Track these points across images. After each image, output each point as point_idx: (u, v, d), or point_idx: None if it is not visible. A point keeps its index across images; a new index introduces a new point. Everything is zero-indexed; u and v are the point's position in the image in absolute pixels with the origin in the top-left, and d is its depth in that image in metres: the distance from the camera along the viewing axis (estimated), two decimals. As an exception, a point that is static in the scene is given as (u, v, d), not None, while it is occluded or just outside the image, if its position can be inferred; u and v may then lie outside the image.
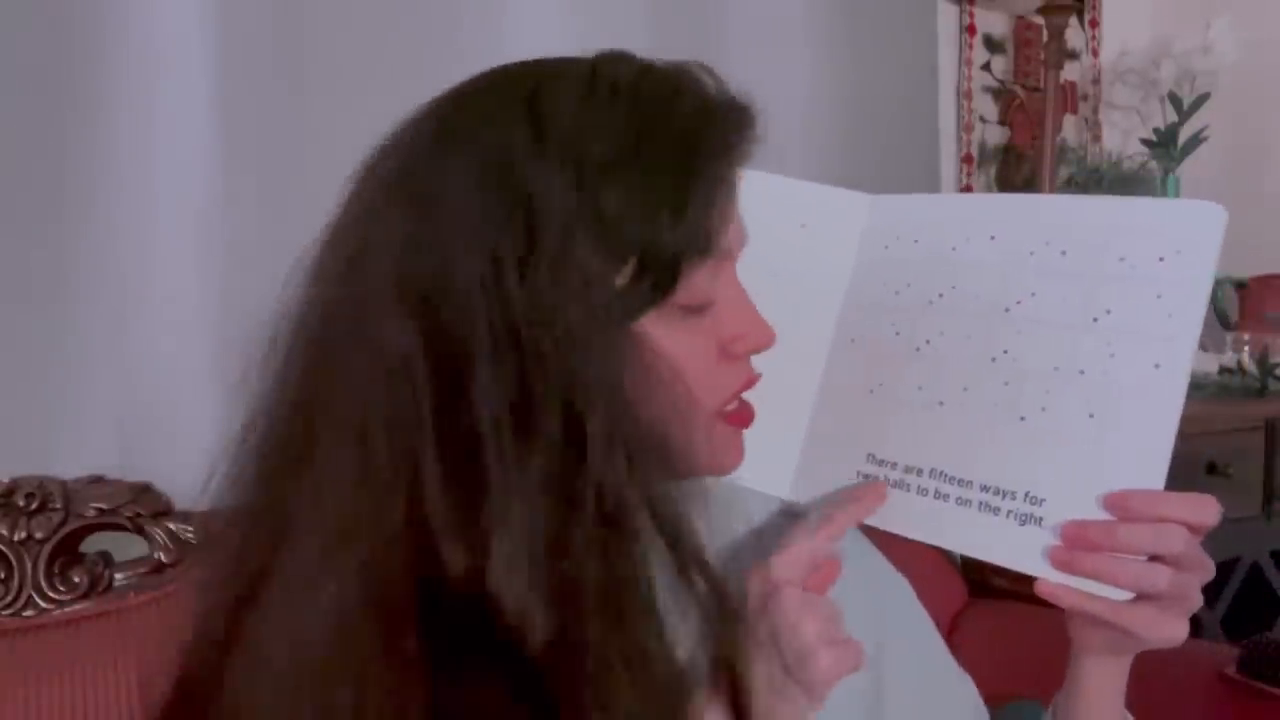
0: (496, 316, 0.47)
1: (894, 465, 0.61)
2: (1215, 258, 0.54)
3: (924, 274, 0.62)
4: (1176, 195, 1.74)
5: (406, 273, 0.49)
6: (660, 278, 0.51)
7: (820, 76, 1.45)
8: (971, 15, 1.74)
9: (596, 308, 0.49)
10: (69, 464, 0.94)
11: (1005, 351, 0.58)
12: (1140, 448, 0.54)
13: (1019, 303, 0.58)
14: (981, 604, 1.16)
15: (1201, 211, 0.55)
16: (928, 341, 0.61)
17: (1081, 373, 0.56)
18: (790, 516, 0.67)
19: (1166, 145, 1.73)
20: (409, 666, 0.48)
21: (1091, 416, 0.55)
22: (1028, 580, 0.55)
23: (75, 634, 0.90)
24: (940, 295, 0.61)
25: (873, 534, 0.65)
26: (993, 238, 0.60)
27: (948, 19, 1.70)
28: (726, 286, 0.56)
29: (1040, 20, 1.71)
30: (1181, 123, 1.72)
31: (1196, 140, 1.72)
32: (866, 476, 0.61)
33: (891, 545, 0.67)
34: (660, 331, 0.52)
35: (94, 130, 0.99)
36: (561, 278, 0.48)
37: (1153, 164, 1.76)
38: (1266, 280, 1.85)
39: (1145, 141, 1.77)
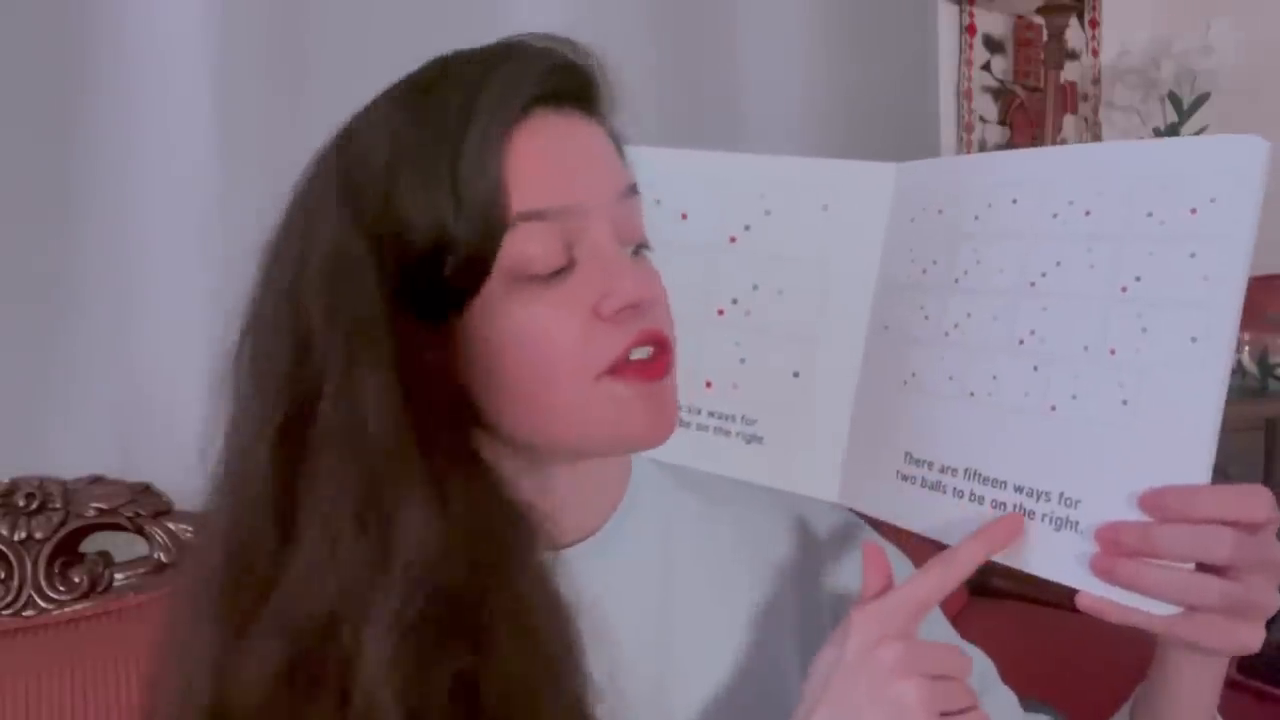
0: (300, 343, 0.51)
1: (930, 465, 0.56)
2: (1257, 203, 0.46)
3: (949, 249, 0.57)
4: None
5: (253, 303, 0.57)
6: (467, 259, 0.50)
7: (820, 76, 1.45)
8: (971, 15, 1.74)
9: (366, 310, 0.50)
10: (69, 464, 0.94)
11: (1033, 332, 0.52)
12: (1178, 437, 0.47)
13: (1044, 275, 0.52)
14: (981, 604, 1.16)
15: (1236, 147, 0.47)
16: (956, 325, 0.56)
17: (1112, 352, 0.49)
18: (854, 529, 0.66)
19: (1166, 145, 1.73)
20: None
21: (1125, 403, 0.49)
22: (1029, 580, 0.52)
23: (75, 634, 0.90)
24: (966, 272, 0.56)
25: (880, 524, 0.64)
26: (1015, 201, 0.54)
27: (948, 19, 1.70)
28: (587, 246, 0.53)
29: (1040, 20, 1.71)
30: (1181, 123, 1.72)
31: (1196, 140, 1.72)
32: (906, 478, 0.57)
33: (892, 540, 0.67)
34: (508, 309, 0.51)
35: (94, 131, 0.99)
36: (342, 285, 0.51)
37: (1153, 164, 1.76)
38: (1266, 280, 1.85)
39: (1145, 141, 1.76)
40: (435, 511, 0.49)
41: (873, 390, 0.60)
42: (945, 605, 0.68)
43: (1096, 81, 1.94)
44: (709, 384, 0.64)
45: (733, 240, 0.64)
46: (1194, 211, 0.48)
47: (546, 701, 0.50)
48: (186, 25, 1.01)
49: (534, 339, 0.52)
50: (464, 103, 0.51)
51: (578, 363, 0.52)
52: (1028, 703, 0.70)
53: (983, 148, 1.78)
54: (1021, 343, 0.53)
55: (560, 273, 0.52)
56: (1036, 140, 1.76)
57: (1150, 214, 0.49)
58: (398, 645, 0.48)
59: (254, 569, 0.51)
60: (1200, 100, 1.71)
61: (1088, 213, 0.51)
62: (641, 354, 0.53)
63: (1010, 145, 1.82)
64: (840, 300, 0.61)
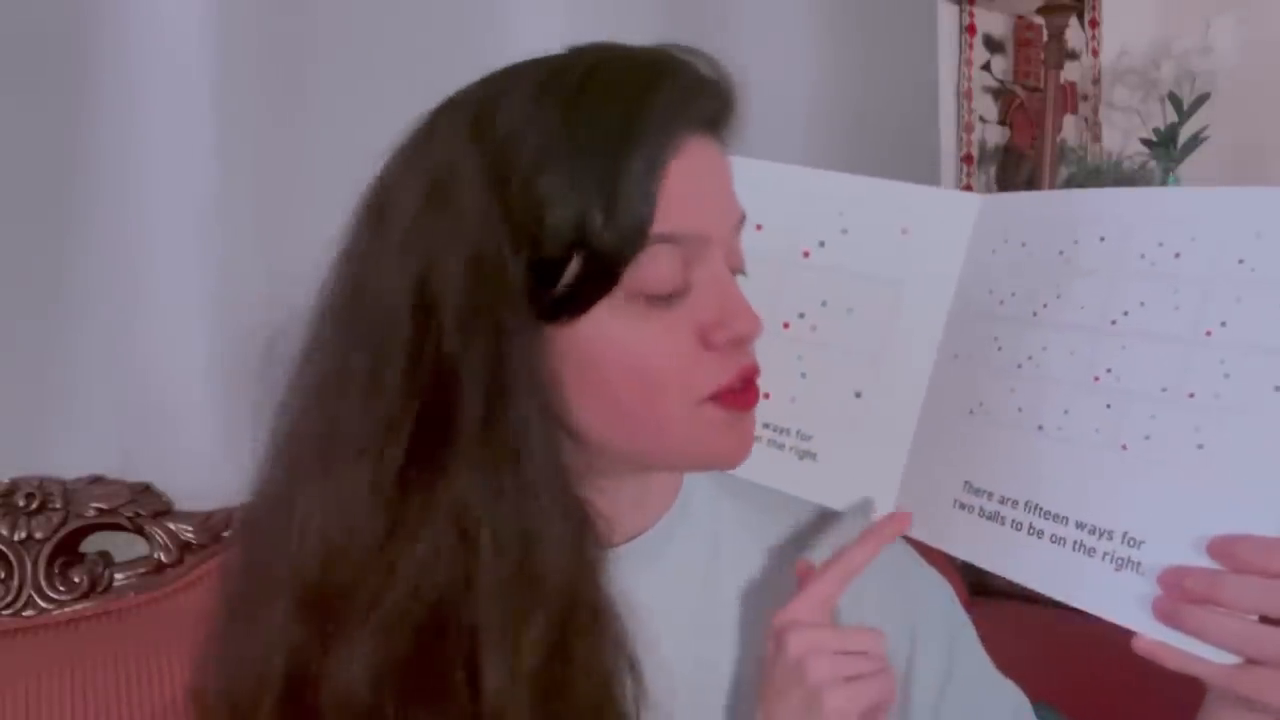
0: (421, 331, 0.51)
1: (990, 495, 0.56)
2: None
3: (1029, 281, 0.57)
4: (1176, 195, 1.73)
5: (350, 285, 0.54)
6: (599, 269, 0.50)
7: (820, 76, 1.45)
8: (971, 15, 1.73)
9: (507, 306, 0.50)
10: (69, 464, 0.94)
11: (1109, 370, 0.52)
12: (1254, 484, 0.47)
13: (1126, 314, 0.52)
14: (981, 604, 1.17)
15: None
16: (1030, 358, 0.56)
17: (1191, 396, 0.49)
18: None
19: (1166, 145, 1.73)
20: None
21: (1200, 448, 0.48)
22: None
23: (75, 634, 0.90)
24: (1045, 305, 0.55)
25: (925, 549, 0.64)
26: (1102, 239, 0.54)
27: (948, 19, 1.70)
28: (705, 273, 0.54)
29: (1040, 20, 1.71)
30: (1181, 123, 1.72)
31: (1196, 140, 1.72)
32: (963, 506, 0.57)
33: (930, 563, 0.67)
34: (621, 324, 0.52)
35: (94, 131, 0.99)
36: (481, 283, 0.50)
37: (1153, 164, 1.76)
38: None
39: (1145, 141, 1.76)
40: (569, 529, 0.51)
41: (937, 417, 0.60)
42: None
43: (1096, 81, 1.94)
44: (767, 395, 0.63)
45: (806, 255, 0.64)
46: None
47: (615, 703, 0.52)
48: (186, 26, 1.01)
49: (644, 357, 0.52)
50: (626, 118, 0.51)
51: (683, 385, 0.53)
52: (1031, 704, 0.70)
53: (982, 148, 1.78)
54: (1097, 380, 0.53)
55: (675, 295, 0.53)
56: (1036, 140, 1.75)
57: (1241, 260, 0.49)
58: (522, 657, 0.50)
59: (357, 567, 0.51)
60: (1200, 100, 1.71)
61: (1177, 255, 0.51)
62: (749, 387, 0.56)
63: (1010, 145, 1.82)
64: (911, 325, 0.61)
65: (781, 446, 0.63)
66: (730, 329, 0.53)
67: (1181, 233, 0.51)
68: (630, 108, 0.51)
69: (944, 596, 0.68)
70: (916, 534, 0.61)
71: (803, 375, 0.63)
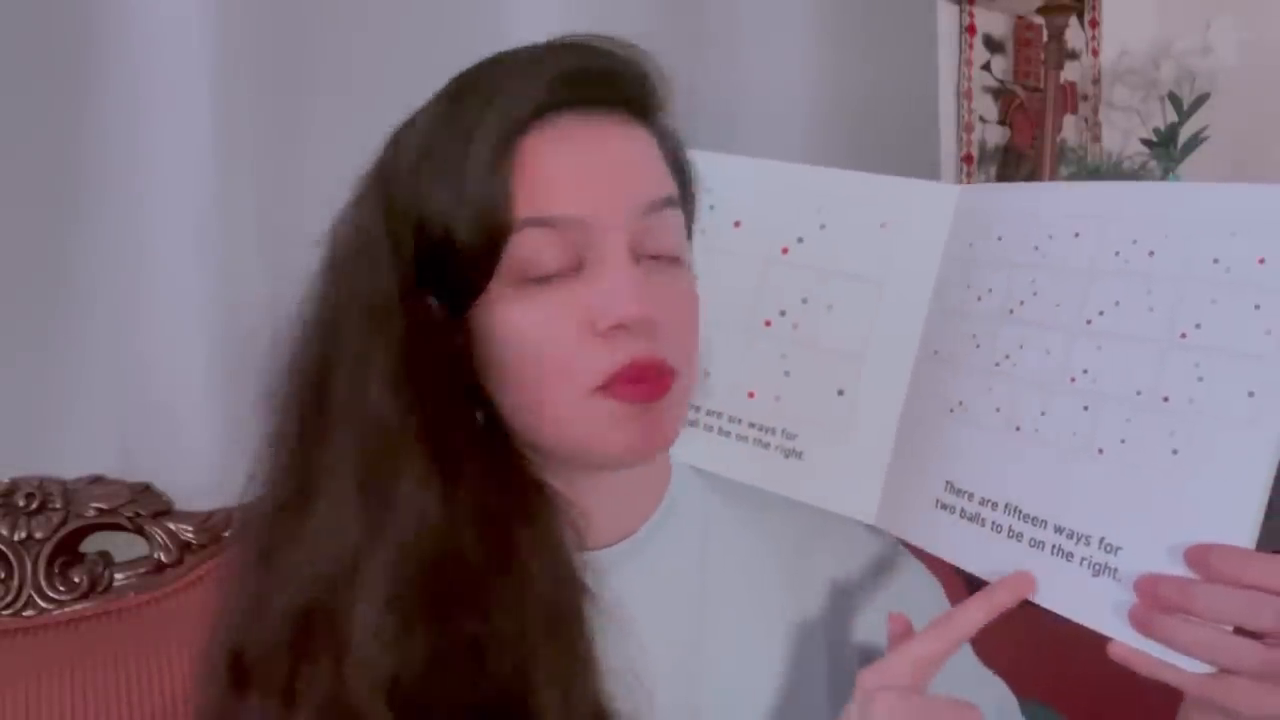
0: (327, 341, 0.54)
1: (970, 496, 0.55)
2: None
3: (1006, 277, 0.56)
4: (1176, 195, 1.73)
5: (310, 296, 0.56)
6: (471, 256, 0.51)
7: (820, 76, 1.45)
8: (971, 15, 1.73)
9: (407, 300, 0.52)
10: (69, 464, 0.94)
11: (1085, 371, 0.51)
12: (1227, 492, 0.46)
13: (1101, 313, 0.51)
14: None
15: None
16: (1007, 356, 0.55)
17: (1166, 399, 0.48)
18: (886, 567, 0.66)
19: (1166, 145, 1.73)
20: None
21: (1175, 453, 0.47)
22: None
23: (75, 634, 0.90)
24: (1021, 303, 0.54)
25: (920, 550, 0.63)
26: (1077, 235, 0.53)
27: (948, 19, 1.70)
28: (595, 257, 0.52)
29: (1040, 20, 1.71)
30: (1181, 123, 1.72)
31: (1196, 140, 1.72)
32: (945, 507, 0.56)
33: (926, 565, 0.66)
34: (510, 309, 0.52)
35: (93, 131, 0.99)
36: (362, 265, 0.53)
37: (1153, 164, 1.76)
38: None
39: (1145, 141, 1.76)
40: (434, 488, 0.51)
41: (918, 415, 0.59)
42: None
43: (1096, 81, 1.93)
44: (751, 394, 0.63)
45: (785, 251, 0.63)
46: (1262, 261, 0.46)
47: (549, 681, 0.51)
48: (186, 26, 1.01)
49: (530, 343, 0.52)
50: (481, 104, 0.52)
51: (567, 374, 0.52)
52: (1028, 703, 0.70)
53: (982, 148, 1.78)
54: (1073, 381, 0.52)
55: (565, 281, 0.52)
56: (1036, 140, 1.75)
57: (1216, 260, 0.47)
58: (383, 612, 0.49)
59: (280, 531, 0.53)
60: (1200, 100, 1.71)
61: (1151, 253, 0.50)
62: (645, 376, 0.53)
63: (1010, 145, 1.82)
64: (892, 321, 0.60)
65: (767, 445, 0.63)
66: (609, 316, 0.52)
67: (1155, 230, 0.50)
68: (484, 96, 0.52)
69: (934, 593, 0.67)
70: (898, 532, 0.60)
71: (786, 374, 0.63)
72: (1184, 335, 0.48)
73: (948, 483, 0.56)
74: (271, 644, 0.52)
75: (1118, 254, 0.51)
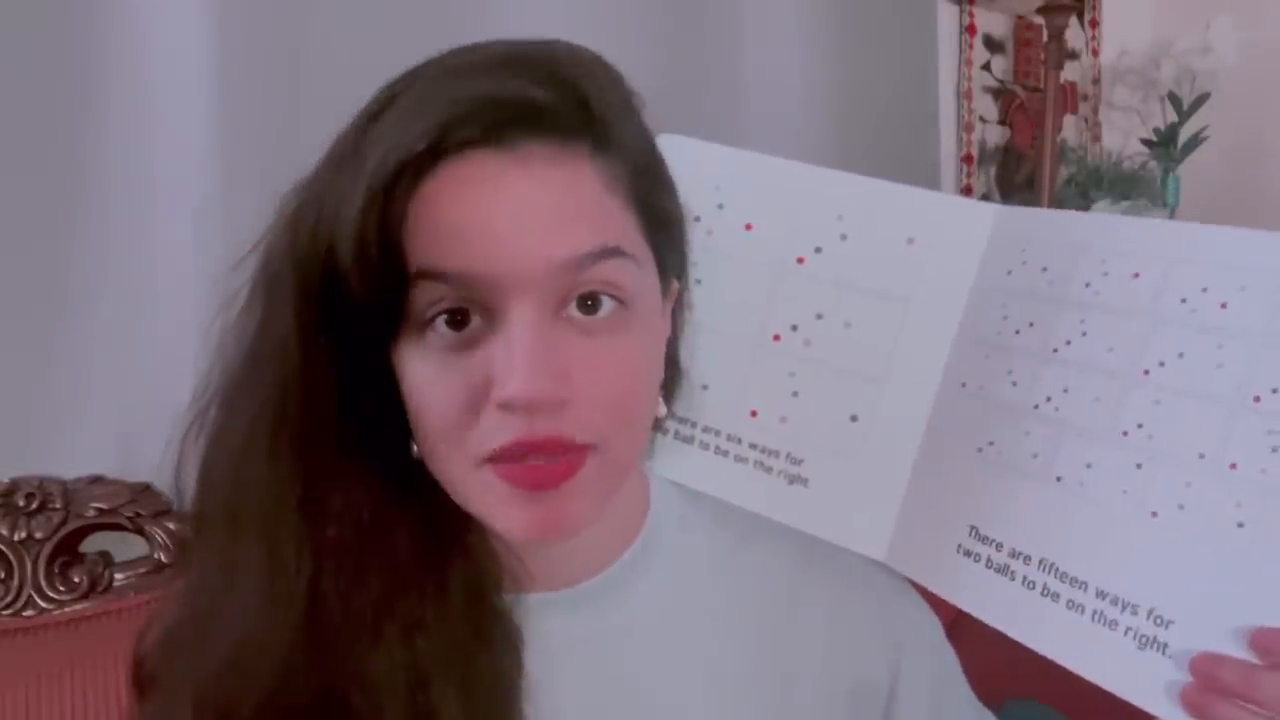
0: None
1: (999, 546, 0.51)
2: None
3: (1050, 312, 0.51)
4: (1177, 196, 1.74)
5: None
6: (368, 305, 0.46)
7: (820, 76, 1.45)
8: (971, 15, 1.73)
9: (330, 333, 0.48)
10: (69, 464, 0.94)
11: (1140, 426, 0.47)
12: None
13: (1162, 364, 0.47)
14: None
15: None
16: (1048, 399, 0.51)
17: (1233, 467, 0.44)
18: None
19: (1166, 145, 1.73)
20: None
21: (1240, 526, 0.44)
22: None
23: (75, 634, 0.90)
24: (1067, 342, 0.50)
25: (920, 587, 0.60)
26: (1136, 275, 0.49)
27: (948, 19, 1.70)
28: (502, 316, 0.45)
29: (1040, 20, 1.71)
30: (1181, 123, 1.72)
31: (1196, 140, 1.72)
32: (969, 554, 0.52)
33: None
34: (416, 363, 0.47)
35: (94, 131, 0.99)
36: (266, 300, 0.52)
37: (1153, 164, 1.76)
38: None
39: (1145, 141, 1.76)
40: (303, 545, 0.49)
41: (939, 450, 0.55)
42: (945, 605, 0.68)
43: (1096, 81, 1.93)
44: (754, 413, 0.59)
45: (800, 261, 0.58)
46: None
47: None
48: (186, 25, 1.01)
49: (423, 401, 0.47)
50: (381, 141, 0.46)
51: (454, 441, 0.47)
52: (1028, 703, 0.69)
53: (982, 148, 1.78)
54: (1126, 434, 0.48)
55: (471, 338, 0.46)
56: (1036, 140, 1.75)
57: None
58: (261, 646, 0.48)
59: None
60: (1200, 100, 1.71)
61: (1224, 305, 0.46)
62: (534, 460, 0.46)
63: (1010, 145, 1.82)
64: (915, 345, 0.56)
65: (769, 469, 0.59)
66: (497, 393, 0.45)
67: (1230, 280, 0.46)
68: (386, 131, 0.46)
69: (933, 631, 0.63)
70: (913, 575, 0.57)
71: (794, 394, 0.58)
72: (1258, 399, 0.44)
73: (973, 528, 0.53)
74: (158, 652, 0.52)
75: (1184, 301, 0.47)
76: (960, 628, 0.69)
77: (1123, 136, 1.87)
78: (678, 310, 0.58)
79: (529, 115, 0.46)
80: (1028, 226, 0.54)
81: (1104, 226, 0.52)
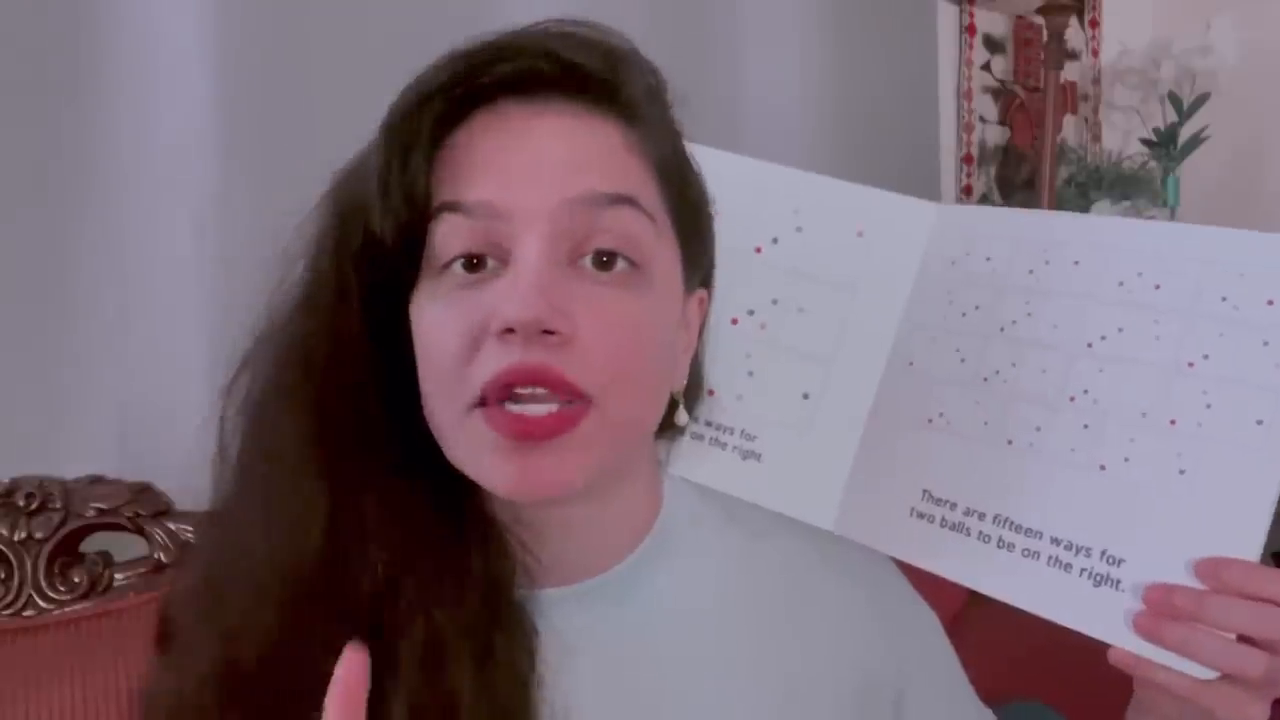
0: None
1: (952, 505, 0.56)
2: None
3: (995, 296, 0.57)
4: (1177, 196, 1.74)
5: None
6: (394, 244, 0.48)
7: (819, 76, 1.45)
8: (971, 15, 1.73)
9: (361, 294, 0.49)
10: (69, 464, 0.94)
11: (1086, 391, 0.53)
12: (1235, 511, 0.49)
13: (1104, 338, 0.54)
14: (982, 604, 1.16)
15: None
16: (997, 372, 0.56)
17: (1173, 423, 0.51)
18: None
19: (1166, 145, 1.73)
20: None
21: (1182, 473, 0.50)
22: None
23: (75, 634, 0.90)
24: (1013, 322, 0.56)
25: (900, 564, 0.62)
26: (1077, 263, 0.55)
27: (948, 19, 1.70)
28: (514, 253, 0.47)
29: (1040, 20, 1.71)
30: (1181, 123, 1.72)
31: (1196, 140, 1.72)
32: (922, 515, 0.57)
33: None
34: (427, 307, 0.49)
35: (94, 130, 0.99)
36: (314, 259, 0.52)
37: (1153, 164, 1.76)
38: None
39: (1145, 141, 1.76)
40: (324, 521, 0.48)
41: (888, 423, 0.59)
42: (945, 605, 0.68)
43: (1096, 81, 1.93)
44: (711, 392, 0.62)
45: (758, 250, 0.63)
46: (1271, 303, 0.50)
47: None
48: (186, 25, 1.01)
49: (428, 340, 0.48)
50: (404, 95, 0.49)
51: (447, 384, 0.47)
52: (1028, 703, 0.70)
53: (982, 148, 1.78)
54: (1073, 400, 0.54)
55: (481, 279, 0.47)
56: (1036, 140, 1.75)
57: (1225, 298, 0.51)
58: (273, 631, 0.47)
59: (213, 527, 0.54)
60: (1200, 100, 1.71)
61: (1157, 286, 0.53)
62: (525, 408, 0.45)
63: (1010, 145, 1.82)
64: (862, 328, 0.61)
65: (724, 446, 0.62)
66: (498, 317, 0.45)
67: (1162, 266, 0.53)
68: (410, 86, 0.49)
69: (937, 629, 0.65)
70: (861, 539, 0.59)
71: (750, 374, 0.62)
72: (1191, 364, 0.51)
73: (925, 491, 0.57)
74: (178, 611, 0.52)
75: (1121, 284, 0.54)
76: (961, 628, 0.69)
77: (1123, 136, 1.87)
78: (703, 326, 0.60)
79: (563, 73, 0.48)
80: (971, 221, 0.60)
81: (1043, 221, 0.59)
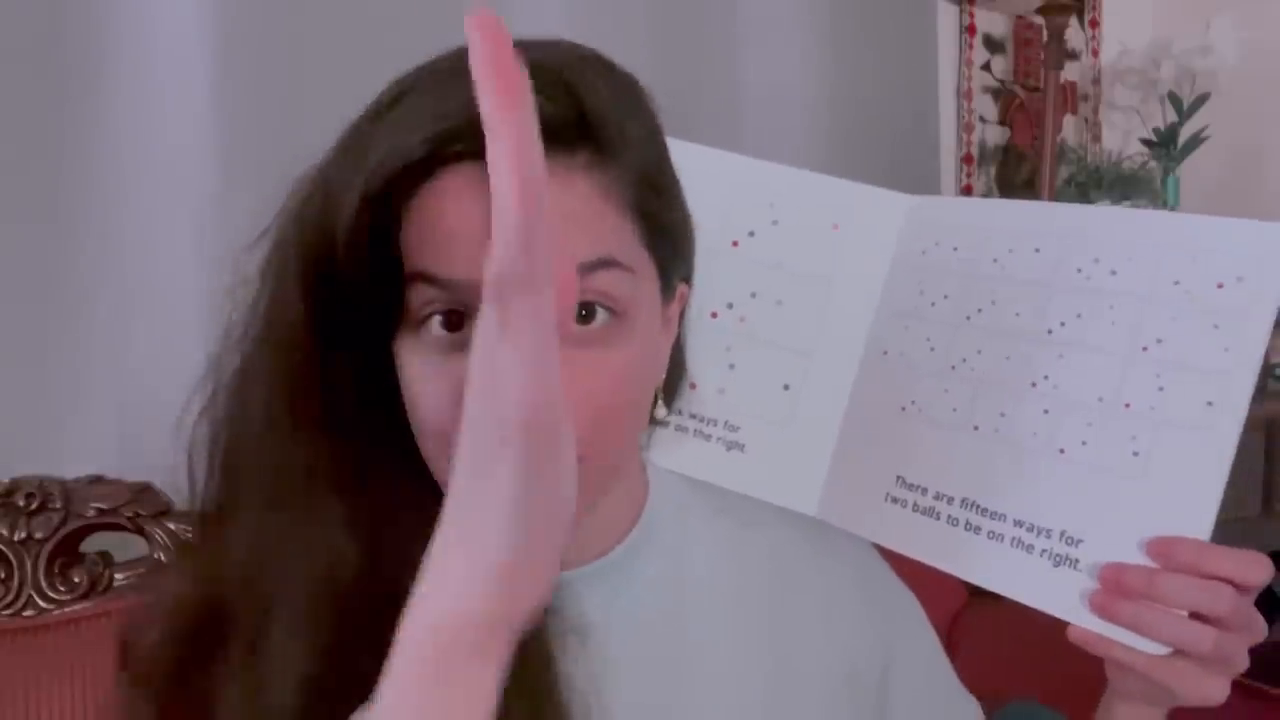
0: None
1: (924, 490, 0.58)
2: None
3: (962, 286, 0.59)
4: (1176, 196, 1.74)
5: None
6: (364, 303, 0.47)
7: (820, 76, 1.45)
8: (971, 15, 1.74)
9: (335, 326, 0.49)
10: (69, 464, 0.94)
11: (1046, 377, 0.54)
12: (1187, 491, 0.50)
13: (1063, 324, 0.55)
14: (981, 604, 1.17)
15: (1268, 234, 0.50)
16: (964, 360, 0.58)
17: (1127, 406, 0.52)
18: None
19: (1166, 145, 1.73)
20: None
21: (1136, 455, 0.51)
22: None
23: (75, 634, 0.90)
24: (979, 310, 0.58)
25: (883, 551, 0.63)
26: (1038, 250, 0.56)
27: (948, 19, 1.70)
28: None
29: (1040, 20, 1.71)
30: (1181, 123, 1.72)
31: (1196, 140, 1.72)
32: (896, 500, 0.58)
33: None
34: (411, 359, 0.48)
35: (94, 130, 0.99)
36: (274, 279, 0.53)
37: (1153, 164, 1.76)
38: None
39: (1145, 141, 1.77)
40: (340, 522, 0.49)
41: (866, 412, 0.61)
42: (945, 605, 0.68)
43: (1096, 81, 1.94)
44: (693, 386, 0.63)
45: (735, 245, 0.63)
46: (1221, 286, 0.51)
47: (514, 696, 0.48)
48: (184, 25, 1.01)
49: (415, 398, 0.48)
50: (382, 141, 0.46)
51: (443, 444, 0.46)
52: (1028, 703, 0.70)
53: (982, 148, 1.78)
54: (1034, 385, 0.55)
55: (463, 342, 0.45)
56: (1036, 140, 1.76)
57: (1177, 282, 0.52)
58: (293, 641, 0.48)
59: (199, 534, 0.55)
60: (1200, 100, 1.71)
61: (1113, 272, 0.54)
62: None
63: (1010, 145, 1.82)
64: (839, 319, 0.62)
65: (708, 438, 0.63)
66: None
67: (1118, 252, 0.54)
68: (385, 131, 0.46)
69: (920, 616, 0.67)
70: (842, 524, 0.61)
71: (731, 366, 0.63)
72: (1145, 349, 0.52)
73: (899, 477, 0.58)
74: (160, 639, 0.51)
75: (1079, 271, 0.55)
76: (960, 628, 0.69)
77: (1123, 136, 1.88)
78: (684, 311, 0.59)
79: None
80: (940, 212, 0.61)
81: (1006, 210, 0.60)
